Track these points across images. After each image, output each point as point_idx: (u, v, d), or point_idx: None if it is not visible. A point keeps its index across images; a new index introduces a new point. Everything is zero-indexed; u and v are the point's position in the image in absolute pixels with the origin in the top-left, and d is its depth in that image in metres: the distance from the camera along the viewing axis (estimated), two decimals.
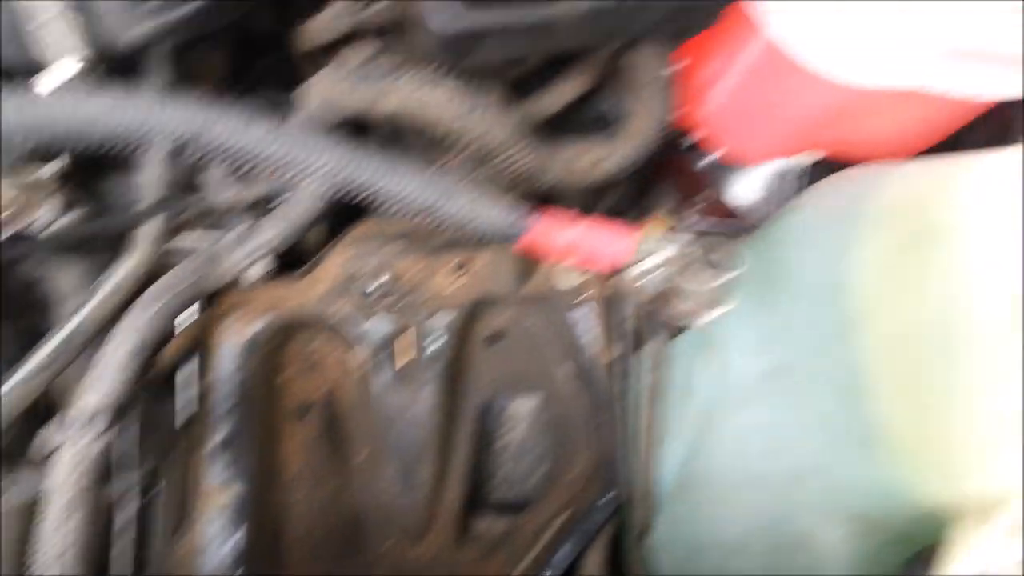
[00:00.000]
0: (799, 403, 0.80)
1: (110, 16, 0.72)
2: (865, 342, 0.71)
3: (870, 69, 0.77)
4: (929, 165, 0.75)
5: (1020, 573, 0.58)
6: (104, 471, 0.84)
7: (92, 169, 0.95)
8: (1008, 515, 0.59)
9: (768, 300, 0.89)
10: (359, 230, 1.18)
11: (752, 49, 0.82)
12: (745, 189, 1.26)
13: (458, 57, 0.71)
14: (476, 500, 1.27)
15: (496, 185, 1.08)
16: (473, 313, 1.24)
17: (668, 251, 0.71)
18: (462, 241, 1.20)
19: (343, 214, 1.22)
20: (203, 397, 1.06)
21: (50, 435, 0.84)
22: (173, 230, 1.03)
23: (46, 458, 0.84)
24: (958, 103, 0.81)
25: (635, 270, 0.73)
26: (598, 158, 0.87)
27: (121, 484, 0.91)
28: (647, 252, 0.72)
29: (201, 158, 0.81)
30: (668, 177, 1.25)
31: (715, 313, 0.75)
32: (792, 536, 0.80)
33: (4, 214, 0.66)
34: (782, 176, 1.27)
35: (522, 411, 1.34)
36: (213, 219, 1.16)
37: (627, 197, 1.25)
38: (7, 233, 0.69)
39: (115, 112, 0.63)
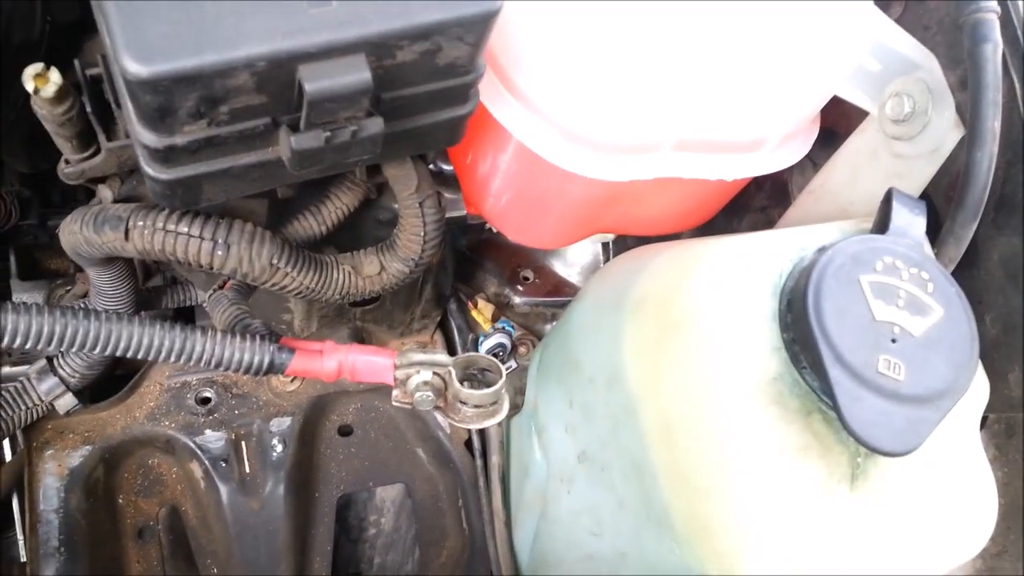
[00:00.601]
0: (607, 486, 0.80)
1: None
2: (640, 428, 0.71)
3: (612, 166, 0.78)
4: (675, 255, 0.76)
5: None
6: None
7: None
8: None
9: (569, 386, 0.89)
10: None
11: (508, 154, 0.83)
12: (564, 263, 1.28)
13: (185, 203, 0.70)
14: None
15: (276, 306, 1.08)
16: (315, 412, 1.23)
17: (423, 374, 0.71)
18: None
19: None
20: (31, 531, 1.04)
21: None
22: None
23: None
24: (713, 183, 0.83)
25: (402, 387, 0.73)
26: (376, 271, 0.87)
27: None
28: (406, 373, 0.72)
29: None
30: (493, 256, 1.26)
31: (493, 422, 0.75)
32: None
33: None
34: (596, 250, 1.30)
35: (388, 498, 1.33)
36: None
37: (458, 275, 1.26)
38: None
39: None
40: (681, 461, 0.66)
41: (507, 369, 1.12)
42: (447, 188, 1.05)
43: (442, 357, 0.72)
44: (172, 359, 0.70)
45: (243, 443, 1.16)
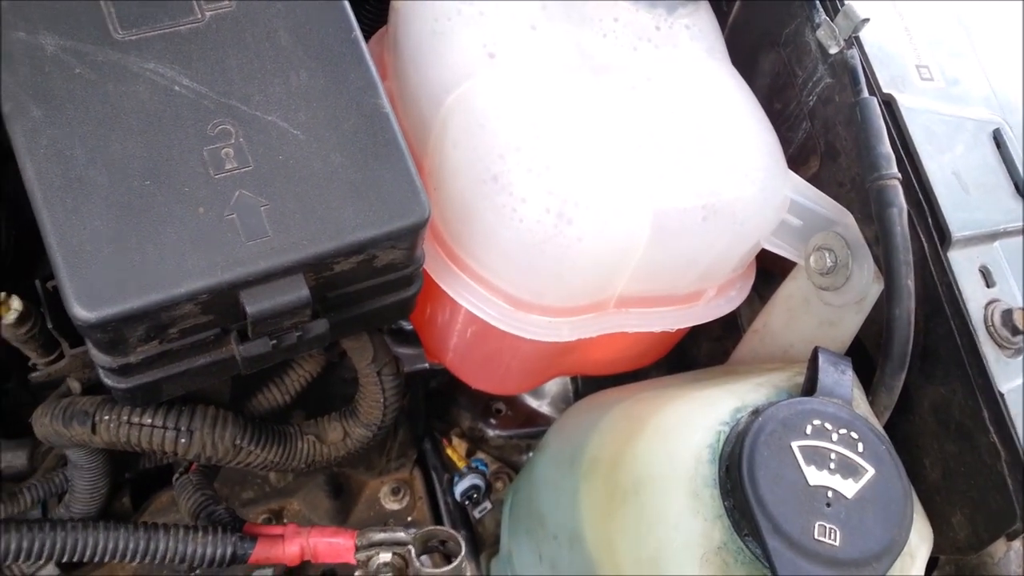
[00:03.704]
0: None
1: None
2: None
3: (558, 328, 0.82)
4: (623, 413, 0.78)
5: None
6: None
7: None
8: None
9: (536, 540, 0.90)
10: (157, 503, 1.17)
11: (460, 320, 0.87)
12: (535, 394, 1.31)
13: (146, 401, 0.73)
14: None
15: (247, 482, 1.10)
16: (297, 567, 1.23)
17: (383, 555, 0.73)
18: (264, 498, 1.21)
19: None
20: None
21: None
22: None
23: None
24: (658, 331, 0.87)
25: (364, 568, 0.74)
26: (340, 436, 0.90)
27: None
28: (367, 555, 0.74)
29: None
30: (465, 391, 1.29)
31: None
32: None
33: None
34: (564, 380, 1.32)
35: None
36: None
37: (432, 411, 1.28)
38: None
39: None
40: None
41: (480, 512, 1.13)
42: (407, 345, 1.08)
43: (401, 535, 0.74)
44: (138, 560, 0.72)
45: None
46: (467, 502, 1.13)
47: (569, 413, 0.92)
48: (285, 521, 1.22)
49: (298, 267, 0.61)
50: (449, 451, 1.21)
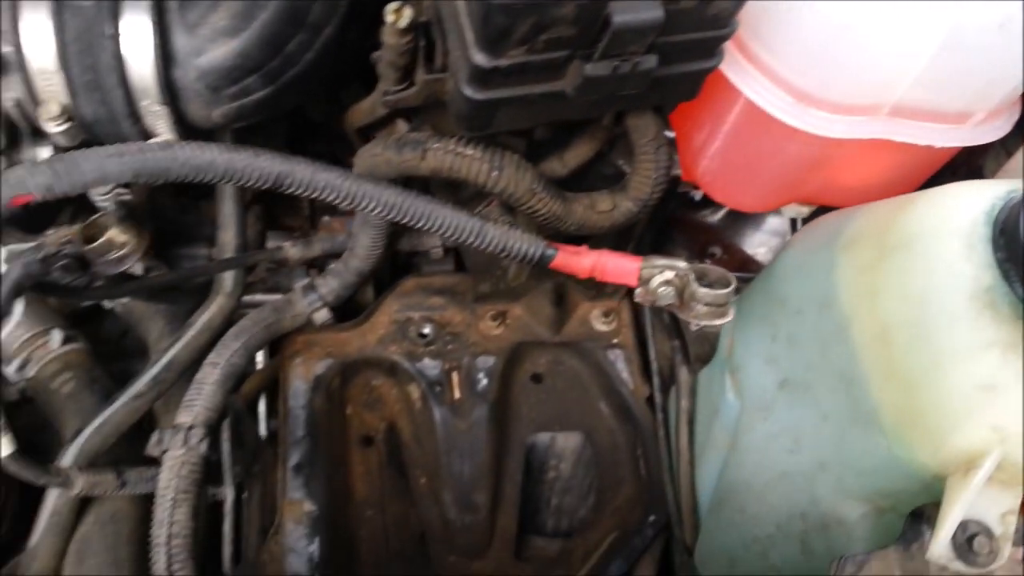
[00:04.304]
0: (809, 404, 0.89)
1: (196, 102, 0.92)
2: (853, 341, 0.81)
3: (833, 124, 0.90)
4: (885, 201, 0.86)
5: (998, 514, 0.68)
6: (202, 475, 1.01)
7: (173, 235, 1.16)
8: (983, 468, 0.69)
9: (773, 322, 1.00)
10: (405, 286, 1.35)
11: (734, 114, 0.96)
12: (751, 243, 1.39)
13: (478, 127, 0.87)
14: (529, 527, 1.38)
15: (528, 227, 1.24)
16: (513, 357, 1.38)
17: (666, 274, 0.84)
18: (497, 295, 1.36)
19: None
20: (278, 425, 1.23)
21: (154, 446, 1.01)
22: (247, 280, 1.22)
23: (154, 463, 1.02)
24: (918, 151, 0.93)
25: (645, 286, 0.86)
26: (609, 207, 1.02)
27: (217, 486, 1.08)
28: (649, 273, 0.86)
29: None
30: (684, 231, 1.39)
31: (722, 321, 0.87)
32: (820, 520, 0.88)
33: (118, 253, 0.84)
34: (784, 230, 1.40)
35: (567, 447, 1.45)
36: (281, 274, 1.37)
37: (648, 250, 1.39)
38: (117, 269, 0.86)
39: (223, 156, 0.79)
40: (896, 361, 0.76)
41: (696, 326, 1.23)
42: None
43: (681, 263, 0.85)
44: (468, 239, 0.87)
45: (454, 373, 1.33)
46: None
47: (817, 220, 1.00)
48: (508, 322, 1.37)
49: None
50: None
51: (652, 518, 1.29)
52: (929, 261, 0.75)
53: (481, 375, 1.33)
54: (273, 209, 1.43)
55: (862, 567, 0.73)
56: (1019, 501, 0.70)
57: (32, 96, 0.86)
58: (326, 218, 1.44)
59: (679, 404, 1.22)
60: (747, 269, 1.35)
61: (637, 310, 1.39)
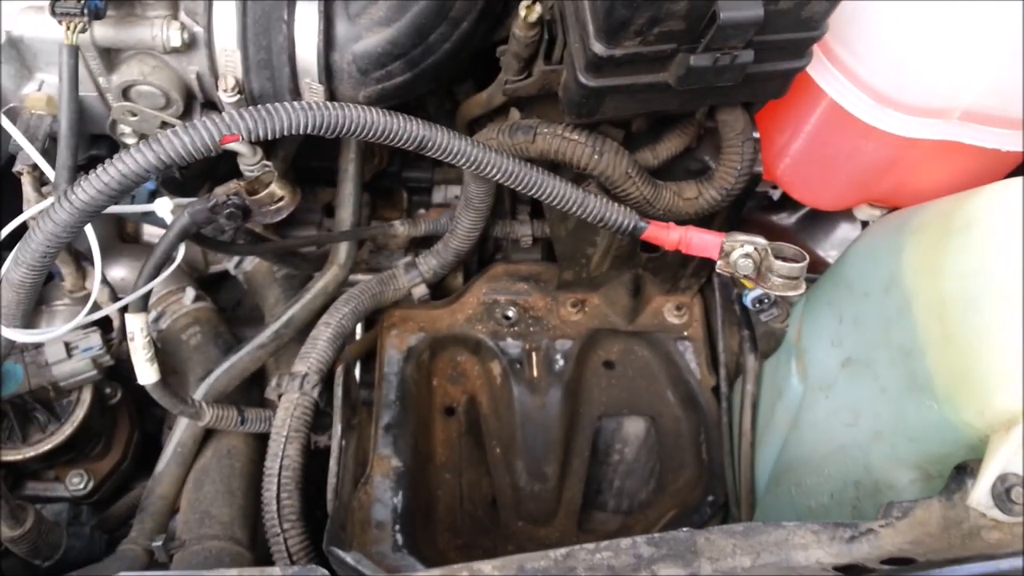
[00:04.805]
0: (870, 378, 0.97)
1: (347, 82, 1.05)
2: (914, 317, 0.90)
3: (908, 125, 0.99)
4: (954, 195, 0.95)
5: None
6: (312, 418, 1.12)
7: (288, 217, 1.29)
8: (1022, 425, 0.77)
9: (840, 305, 1.08)
10: (494, 271, 1.47)
11: (818, 111, 1.06)
12: (821, 245, 1.47)
13: (586, 113, 0.98)
14: (592, 505, 1.47)
15: (584, 239, 1.35)
16: (589, 343, 1.48)
17: (746, 248, 0.94)
18: (578, 284, 1.46)
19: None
20: (374, 387, 1.34)
21: (272, 390, 1.13)
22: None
23: (270, 406, 1.14)
24: (986, 156, 1.02)
25: (725, 258, 0.96)
26: (694, 195, 1.12)
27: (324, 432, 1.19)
28: (731, 247, 0.95)
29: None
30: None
31: (795, 293, 0.96)
32: (872, 487, 0.96)
33: (276, 205, 0.96)
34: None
35: (633, 432, 1.54)
36: (382, 255, 1.49)
37: None
38: (275, 219, 0.99)
39: (383, 118, 0.89)
40: (951, 331, 0.84)
41: (767, 316, 1.31)
42: None
43: (760, 239, 0.95)
44: (572, 208, 0.97)
45: (534, 354, 1.43)
46: (756, 306, 1.31)
47: (888, 216, 1.08)
48: (586, 309, 1.48)
49: None
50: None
51: (711, 498, 1.37)
52: (986, 241, 0.84)
53: (559, 357, 1.44)
54: (375, 200, 1.56)
55: (908, 512, 0.80)
56: None
57: (212, 70, 0.99)
58: (421, 211, 1.57)
59: (744, 389, 1.30)
60: (816, 270, 1.42)
61: (708, 306, 1.49)
